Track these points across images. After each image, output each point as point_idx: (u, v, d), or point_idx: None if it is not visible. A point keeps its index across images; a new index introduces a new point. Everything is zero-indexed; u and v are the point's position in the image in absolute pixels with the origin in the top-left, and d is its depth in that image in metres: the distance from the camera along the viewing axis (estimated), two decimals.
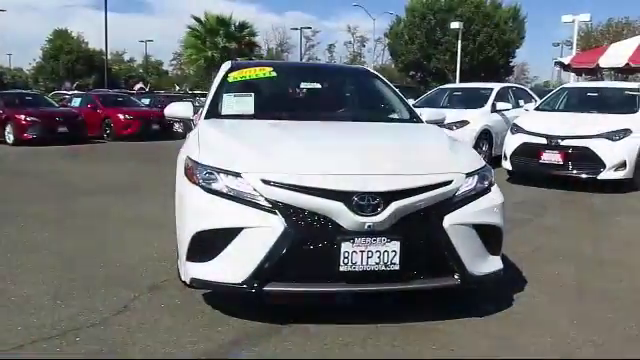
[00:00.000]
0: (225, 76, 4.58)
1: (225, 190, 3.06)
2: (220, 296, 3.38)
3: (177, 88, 51.09)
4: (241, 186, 3.03)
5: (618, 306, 3.53)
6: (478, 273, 3.17)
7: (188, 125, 4.97)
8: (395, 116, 4.51)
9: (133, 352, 2.80)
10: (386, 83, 4.85)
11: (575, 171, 7.84)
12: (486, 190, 3.33)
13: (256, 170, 3.04)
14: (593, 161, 7.73)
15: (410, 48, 47.70)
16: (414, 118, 4.45)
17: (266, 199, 2.97)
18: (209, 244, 3.04)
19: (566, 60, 18.28)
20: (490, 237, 3.27)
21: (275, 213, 2.94)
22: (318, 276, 2.98)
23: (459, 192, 3.17)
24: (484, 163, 3.52)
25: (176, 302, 3.44)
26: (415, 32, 47.34)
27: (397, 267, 2.97)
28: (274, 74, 4.69)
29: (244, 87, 4.52)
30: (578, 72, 18.50)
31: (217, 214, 3.02)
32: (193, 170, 3.21)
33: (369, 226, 2.93)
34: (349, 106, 4.81)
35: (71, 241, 4.80)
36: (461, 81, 36.52)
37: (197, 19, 24.91)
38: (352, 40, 71.34)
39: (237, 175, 3.06)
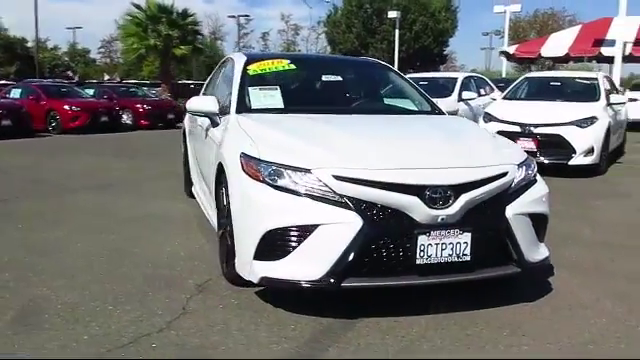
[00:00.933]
0: (244, 69, 4.50)
1: (293, 187, 3.03)
2: (275, 294, 3.34)
3: (107, 77, 49.31)
4: (310, 182, 3.01)
5: None
6: (533, 260, 3.30)
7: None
8: (420, 108, 4.57)
9: (217, 355, 2.74)
10: (400, 74, 4.91)
11: (547, 157, 8.18)
12: (533, 180, 3.46)
13: (326, 166, 3.03)
14: (564, 147, 8.11)
15: (348, 37, 48.01)
16: (436, 109, 4.53)
17: (339, 195, 2.97)
18: (281, 242, 3.01)
19: (510, 50, 19.01)
20: (540, 226, 3.41)
21: (350, 209, 2.94)
22: (394, 270, 3.01)
23: (514, 183, 3.28)
24: (526, 154, 3.65)
25: (233, 302, 3.37)
26: (353, 21, 47.69)
27: (468, 258, 3.05)
28: (293, 67, 4.66)
29: (267, 80, 4.47)
30: (520, 61, 19.27)
31: (291, 211, 2.99)
32: (255, 167, 3.16)
33: (442, 219, 2.99)
34: (374, 98, 4.84)
35: (85, 241, 4.60)
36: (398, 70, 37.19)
37: (137, 6, 24.05)
38: (286, 28, 71.09)
39: (307, 171, 3.03)
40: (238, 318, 3.14)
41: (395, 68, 21.74)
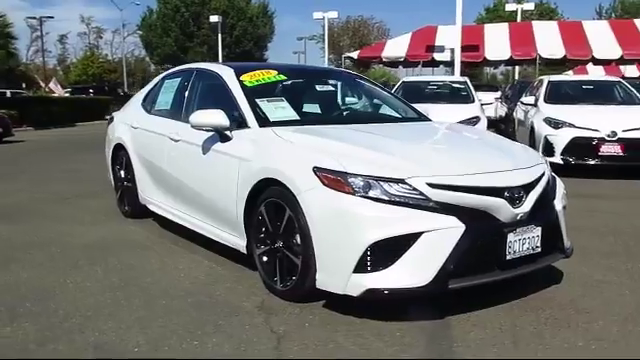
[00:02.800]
0: (239, 81, 4.37)
1: (388, 197, 3.10)
2: (347, 306, 3.33)
3: None
4: (405, 192, 3.11)
5: None
6: (569, 247, 3.75)
7: None
8: (406, 115, 4.82)
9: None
10: (377, 84, 5.12)
11: None
12: (555, 177, 3.91)
13: (420, 174, 3.15)
14: None
15: (166, 40, 46.76)
16: (422, 116, 4.83)
17: (434, 202, 3.11)
18: (385, 252, 3.06)
19: (354, 55, 20.19)
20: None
21: (450, 214, 3.10)
22: (488, 267, 3.23)
23: (550, 179, 3.70)
24: None
25: (313, 318, 3.31)
26: (169, 24, 46.56)
27: (539, 249, 3.39)
28: (283, 77, 4.63)
29: (267, 92, 4.39)
30: (364, 65, 20.61)
31: (395, 221, 3.05)
32: (344, 180, 3.15)
33: (521, 216, 3.29)
34: (372, 108, 4.95)
35: (76, 278, 4.07)
36: None
37: None
38: (87, 31, 67.00)
39: (400, 181, 3.12)
40: (338, 333, 3.11)
41: None
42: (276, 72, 4.63)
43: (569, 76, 16.35)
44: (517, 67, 32.71)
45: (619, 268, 4.26)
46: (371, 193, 3.11)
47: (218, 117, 4.04)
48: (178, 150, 4.70)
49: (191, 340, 3.05)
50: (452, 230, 3.07)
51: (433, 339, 3.06)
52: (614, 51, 18.48)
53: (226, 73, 4.51)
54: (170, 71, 5.69)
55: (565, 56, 18.70)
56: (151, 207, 5.38)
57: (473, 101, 9.82)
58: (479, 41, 18.91)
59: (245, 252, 3.96)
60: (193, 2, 46.01)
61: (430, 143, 3.82)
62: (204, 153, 4.29)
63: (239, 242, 3.98)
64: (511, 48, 19.08)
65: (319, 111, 4.56)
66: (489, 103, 10.17)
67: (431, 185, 3.12)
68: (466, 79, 10.79)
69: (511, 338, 3.06)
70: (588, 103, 9.24)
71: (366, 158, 3.30)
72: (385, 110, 4.85)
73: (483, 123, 9.25)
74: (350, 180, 3.15)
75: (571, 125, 8.47)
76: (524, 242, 3.30)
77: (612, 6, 41.52)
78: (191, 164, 4.51)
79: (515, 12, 34.80)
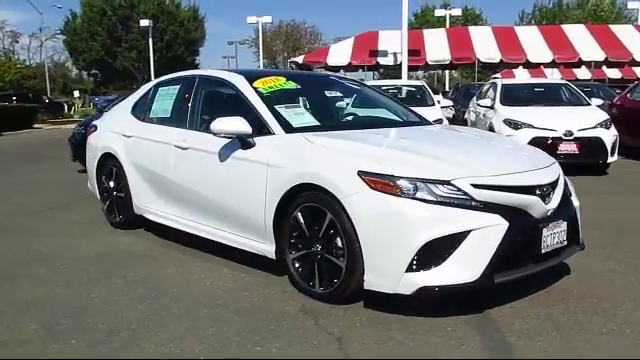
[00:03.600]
0: (254, 87, 4.40)
1: (434, 198, 3.25)
2: (386, 304, 3.46)
3: None
4: (451, 192, 3.26)
5: None
6: (582, 240, 4.02)
7: None
8: (413, 119, 4.98)
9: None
10: (376, 89, 5.27)
11: None
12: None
13: (463, 175, 3.31)
14: None
15: (92, 45, 45.22)
16: (424, 119, 5.02)
17: (478, 201, 3.28)
18: (436, 251, 3.20)
19: (299, 59, 20.32)
20: None
21: (493, 212, 3.28)
22: (525, 261, 3.43)
23: (565, 178, 3.96)
24: None
25: (361, 319, 3.40)
26: (96, 28, 45.04)
27: (565, 242, 3.64)
28: (292, 83, 4.68)
29: (282, 98, 4.44)
30: (304, 69, 20.73)
31: (445, 221, 3.20)
32: (392, 183, 3.27)
33: (550, 212, 3.52)
34: (380, 112, 5.05)
35: (99, 292, 3.97)
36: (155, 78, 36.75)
37: None
38: (1, 35, 63.98)
39: (446, 183, 3.27)
40: (392, 331, 3.22)
41: (152, 77, 21.51)
42: (285, 79, 4.68)
43: (521, 79, 17.14)
44: (447, 71, 33.93)
45: (616, 258, 4.59)
46: (419, 195, 3.24)
47: (240, 124, 4.05)
48: (187, 158, 4.66)
49: (252, 346, 3.07)
50: (497, 227, 3.25)
51: (483, 331, 3.22)
52: (546, 55, 19.59)
53: (238, 80, 4.52)
54: (164, 78, 5.60)
55: (502, 60, 19.64)
56: (150, 217, 5.28)
57: (433, 104, 10.16)
58: (420, 46, 19.52)
59: (274, 258, 3.99)
60: (121, 5, 44.71)
61: (458, 145, 4.00)
62: (222, 160, 4.27)
63: (266, 248, 4.01)
64: (451, 52, 19.84)
65: (332, 116, 4.64)
66: (448, 106, 10.53)
67: (475, 185, 3.28)
68: (423, 83, 11.16)
69: (552, 327, 3.27)
70: (541, 105, 9.81)
71: (407, 161, 3.43)
72: (391, 114, 4.99)
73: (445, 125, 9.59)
74: (398, 183, 3.27)
75: (530, 126, 8.91)
76: (554, 236, 3.53)
77: (533, 12, 43.83)
78: (204, 171, 4.48)
79: (443, 18, 36.07)
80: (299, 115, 4.27)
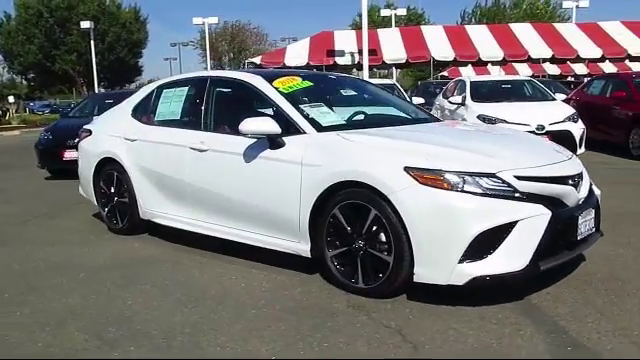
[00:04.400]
0: (275, 87, 4.42)
1: (482, 191, 3.37)
2: (428, 293, 3.57)
3: None
4: (496, 184, 3.39)
5: None
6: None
7: None
8: (424, 116, 5.10)
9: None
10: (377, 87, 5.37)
11: None
12: None
13: (507, 168, 3.45)
14: None
15: (29, 48, 43.41)
16: (431, 116, 5.16)
17: (521, 192, 3.42)
18: (487, 242, 3.32)
19: (257, 60, 20.24)
20: None
21: (537, 202, 3.43)
22: (562, 248, 3.60)
23: None
24: None
25: (412, 310, 3.49)
26: (33, 31, 43.26)
27: (594, 229, 3.83)
28: (309, 82, 4.72)
29: (304, 98, 4.47)
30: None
31: (495, 212, 3.32)
32: (441, 177, 3.37)
33: (581, 201, 3.71)
34: (395, 110, 5.12)
35: (140, 306, 3.90)
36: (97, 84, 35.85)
37: None
38: None
39: (491, 175, 3.40)
40: (449, 321, 3.31)
41: (95, 81, 21.09)
42: (300, 78, 4.70)
43: (488, 76, 17.65)
44: (394, 70, 34.48)
45: (620, 243, 4.84)
46: (467, 188, 3.36)
47: (270, 124, 4.06)
48: (205, 160, 4.61)
49: (319, 344, 3.09)
50: (541, 217, 3.40)
51: (533, 317, 3.36)
52: (496, 53, 20.27)
53: (257, 81, 4.52)
54: (167, 81, 5.52)
55: (455, 58, 20.18)
56: (159, 221, 5.19)
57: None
58: (376, 45, 19.80)
59: (309, 256, 4.02)
60: (59, 7, 43.11)
61: (490, 140, 4.13)
62: (247, 161, 4.26)
63: (300, 247, 4.03)
64: (406, 51, 20.23)
65: (352, 115, 4.70)
66: (420, 104, 10.73)
67: (518, 177, 3.43)
68: (394, 82, 11.35)
69: (594, 309, 3.45)
70: (510, 100, 10.17)
71: (451, 155, 3.54)
72: (401, 112, 5.09)
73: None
74: (447, 177, 3.37)
75: (503, 121, 9.24)
76: (586, 224, 3.73)
77: (473, 12, 45.16)
78: (227, 172, 4.45)
79: (389, 17, 36.67)
80: (324, 114, 4.31)
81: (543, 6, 44.28)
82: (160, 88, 5.44)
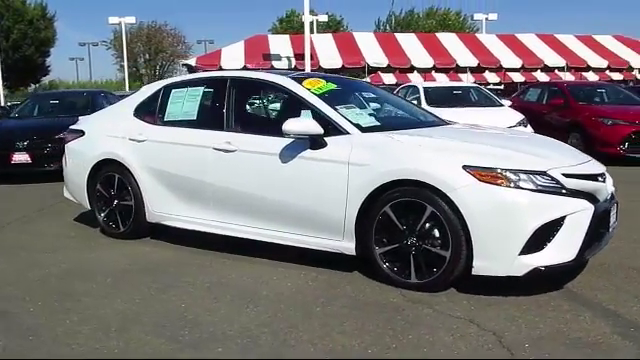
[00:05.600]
0: (306, 88, 4.48)
1: (536, 187, 3.61)
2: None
3: None
4: (547, 181, 3.65)
5: None
6: None
7: None
8: (426, 119, 5.30)
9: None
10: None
11: None
12: None
13: (556, 166, 3.71)
14: None
15: None
16: (442, 119, 5.39)
17: (568, 189, 3.70)
18: (544, 235, 3.56)
19: (192, 62, 19.86)
20: None
21: (581, 198, 3.72)
22: (597, 239, 3.90)
23: None
24: None
25: (468, 302, 3.67)
26: None
27: (616, 223, 4.19)
28: (333, 85, 4.80)
29: (335, 99, 4.55)
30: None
31: (550, 207, 3.58)
32: (500, 175, 3.58)
33: (609, 196, 4.05)
34: (411, 114, 5.26)
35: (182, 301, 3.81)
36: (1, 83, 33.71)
37: None
38: None
39: (542, 173, 3.65)
40: (509, 311, 3.51)
41: (0, 80, 20.17)
42: (324, 80, 4.77)
43: (438, 82, 18.24)
44: None
45: (618, 234, 5.21)
46: (523, 185, 3.59)
47: (313, 125, 4.11)
48: (233, 160, 4.56)
49: (391, 339, 3.15)
50: (587, 211, 3.69)
51: (584, 303, 3.63)
52: (427, 61, 21.11)
53: (288, 82, 4.54)
54: (174, 81, 5.38)
55: (389, 64, 20.79)
56: (171, 223, 5.06)
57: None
58: (312, 50, 20.01)
59: (353, 254, 4.10)
60: None
61: (523, 141, 4.40)
62: (285, 161, 4.28)
63: (344, 245, 4.10)
64: (341, 57, 20.60)
65: (379, 116, 4.82)
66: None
67: (565, 175, 3.70)
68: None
69: (628, 295, 3.76)
70: (461, 106, 10.67)
71: (504, 155, 3.77)
72: (424, 115, 5.27)
73: None
74: (505, 174, 3.58)
75: None
76: (614, 216, 4.07)
77: (388, 20, 46.65)
78: (260, 173, 4.43)
79: (311, 23, 37.05)
80: (359, 115, 4.41)
81: (455, 17, 46.45)
82: (168, 88, 5.29)
